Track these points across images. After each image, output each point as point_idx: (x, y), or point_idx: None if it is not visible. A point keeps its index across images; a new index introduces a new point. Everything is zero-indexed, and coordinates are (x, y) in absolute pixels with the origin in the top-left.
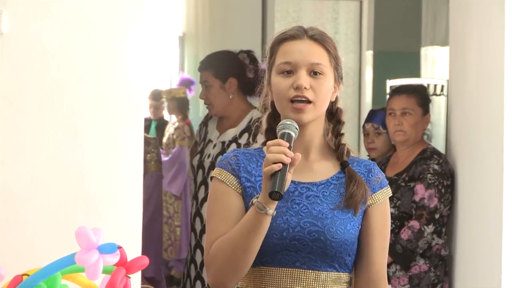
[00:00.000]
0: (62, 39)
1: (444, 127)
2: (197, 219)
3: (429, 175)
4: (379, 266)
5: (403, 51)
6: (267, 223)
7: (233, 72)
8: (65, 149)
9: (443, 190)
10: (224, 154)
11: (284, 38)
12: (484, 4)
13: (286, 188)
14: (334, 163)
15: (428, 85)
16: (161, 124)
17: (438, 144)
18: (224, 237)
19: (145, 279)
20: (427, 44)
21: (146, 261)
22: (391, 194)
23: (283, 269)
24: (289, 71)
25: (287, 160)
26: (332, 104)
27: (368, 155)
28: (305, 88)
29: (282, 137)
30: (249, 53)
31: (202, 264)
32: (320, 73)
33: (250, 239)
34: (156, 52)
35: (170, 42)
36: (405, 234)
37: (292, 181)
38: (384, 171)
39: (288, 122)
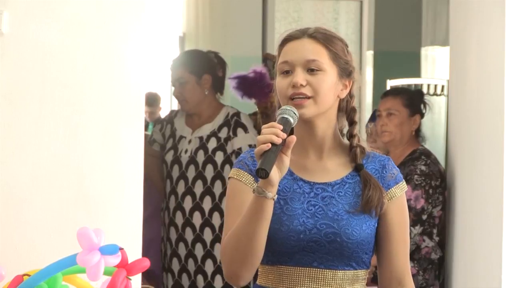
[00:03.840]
0: (62, 39)
1: (444, 127)
2: (178, 213)
3: (416, 176)
4: (401, 260)
5: (403, 51)
6: (268, 207)
7: (206, 69)
8: (65, 149)
9: (430, 191)
10: (241, 155)
11: (285, 39)
12: (484, 4)
13: (285, 170)
14: (349, 160)
15: (429, 85)
16: None
17: (438, 144)
18: (233, 228)
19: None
20: (427, 44)
21: (147, 263)
22: (407, 189)
23: (301, 268)
24: (288, 70)
25: (277, 140)
26: (346, 102)
27: None
28: (301, 85)
29: (280, 120)
30: (216, 54)
31: (186, 257)
32: (317, 69)
33: (254, 225)
34: (156, 52)
35: (170, 42)
36: None
37: (307, 182)
38: None
39: (288, 108)
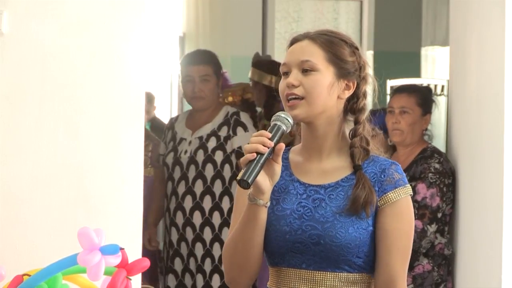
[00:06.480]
0: (62, 39)
1: (445, 127)
2: (178, 213)
3: (430, 174)
4: (393, 267)
5: (403, 51)
6: (261, 214)
7: (220, 71)
8: (65, 149)
9: (444, 189)
10: None
11: (290, 42)
12: (484, 4)
13: (277, 177)
14: (350, 163)
15: (428, 85)
16: (157, 124)
17: (439, 144)
18: (230, 233)
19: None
20: (427, 44)
21: (147, 263)
22: (411, 194)
23: (292, 269)
24: (286, 72)
25: (263, 150)
26: (353, 103)
27: None
28: (293, 85)
29: (272, 128)
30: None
31: (187, 257)
32: (310, 70)
33: (248, 232)
34: (156, 52)
35: (170, 42)
36: None
37: (303, 184)
38: None
39: (283, 115)
